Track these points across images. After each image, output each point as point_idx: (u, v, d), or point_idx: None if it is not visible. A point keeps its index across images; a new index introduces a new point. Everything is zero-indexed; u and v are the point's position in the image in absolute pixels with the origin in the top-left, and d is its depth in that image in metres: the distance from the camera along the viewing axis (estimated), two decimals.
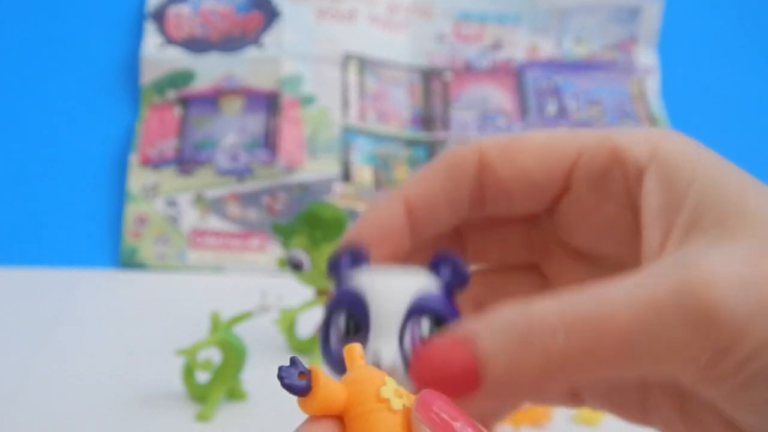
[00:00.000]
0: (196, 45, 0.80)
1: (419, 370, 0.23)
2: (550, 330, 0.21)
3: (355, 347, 0.22)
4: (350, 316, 0.23)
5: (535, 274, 0.30)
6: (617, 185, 0.26)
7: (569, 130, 0.27)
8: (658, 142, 0.25)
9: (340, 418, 0.21)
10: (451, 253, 0.25)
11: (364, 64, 0.81)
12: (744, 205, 0.22)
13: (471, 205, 0.27)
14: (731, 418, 0.23)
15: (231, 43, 0.80)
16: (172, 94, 0.78)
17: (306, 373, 0.21)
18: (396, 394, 0.21)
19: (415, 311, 0.23)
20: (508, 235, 0.30)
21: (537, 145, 0.27)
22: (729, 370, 0.21)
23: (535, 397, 0.24)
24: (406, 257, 0.27)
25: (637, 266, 0.24)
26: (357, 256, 0.25)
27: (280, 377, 0.21)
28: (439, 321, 0.23)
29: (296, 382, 0.21)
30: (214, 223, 0.74)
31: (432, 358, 0.23)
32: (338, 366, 0.23)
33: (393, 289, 0.24)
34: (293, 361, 0.21)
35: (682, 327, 0.21)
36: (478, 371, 0.22)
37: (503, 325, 0.22)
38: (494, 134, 0.79)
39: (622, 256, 0.27)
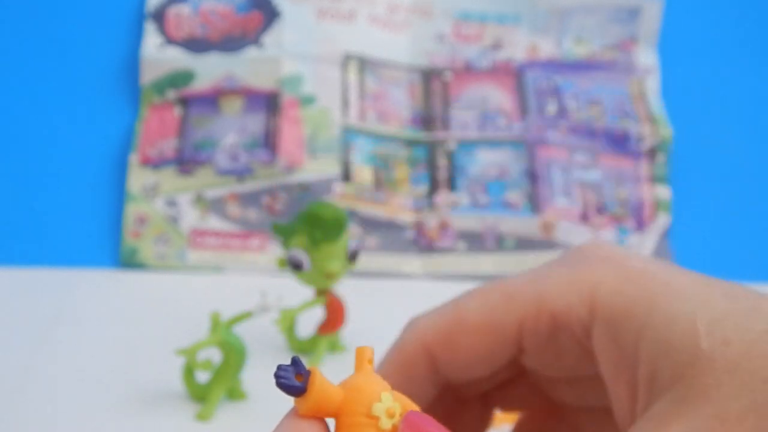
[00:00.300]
0: (196, 45, 0.80)
1: None
2: None
3: (367, 349, 0.22)
4: None
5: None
6: (567, 344, 0.26)
7: (505, 289, 0.27)
8: (594, 297, 0.24)
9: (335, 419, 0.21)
10: None
11: (364, 64, 0.81)
12: (695, 353, 0.21)
13: (436, 387, 0.28)
14: None
15: (231, 43, 0.80)
16: (172, 94, 0.78)
17: (304, 374, 0.21)
18: (388, 414, 0.21)
19: None
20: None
21: (476, 327, 0.27)
22: None
23: None
24: None
25: (609, 415, 0.24)
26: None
27: (277, 376, 0.21)
28: None
29: (292, 382, 0.21)
30: (214, 223, 0.74)
31: None
32: None
33: None
34: (294, 361, 0.21)
35: None
36: None
37: None
38: (494, 133, 0.79)
39: (592, 400, 0.27)
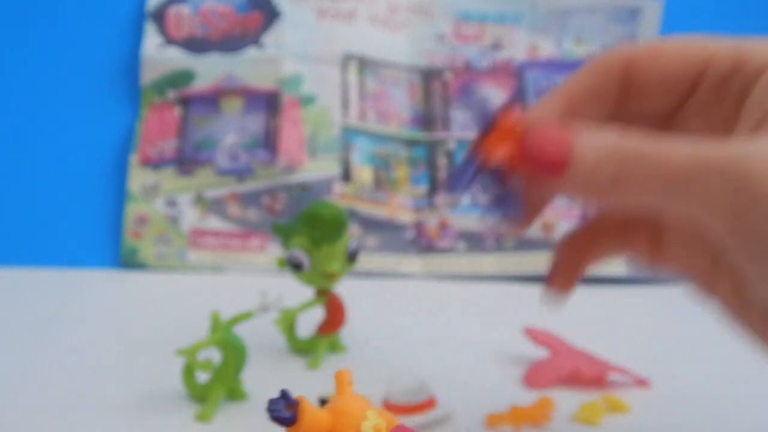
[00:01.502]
0: (196, 45, 0.80)
1: (529, 138, 0.28)
2: (627, 154, 0.27)
3: (345, 373, 0.24)
4: None
5: None
6: (736, 89, 0.30)
7: (702, 41, 0.31)
8: None
9: None
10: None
11: (364, 64, 0.81)
12: None
13: (617, 100, 0.32)
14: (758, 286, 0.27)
15: (231, 43, 0.80)
16: (172, 94, 0.78)
17: (293, 405, 0.23)
18: (375, 430, 0.23)
19: None
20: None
21: (678, 48, 0.31)
22: (754, 222, 0.25)
23: (600, 196, 0.28)
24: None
25: None
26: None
27: (269, 410, 0.23)
28: None
29: (283, 414, 0.23)
30: (214, 223, 0.74)
31: (536, 132, 0.28)
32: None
33: None
34: (283, 394, 0.24)
35: (722, 181, 0.25)
36: (568, 156, 0.28)
37: (601, 137, 0.28)
38: None
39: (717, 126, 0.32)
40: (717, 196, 0.25)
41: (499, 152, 0.29)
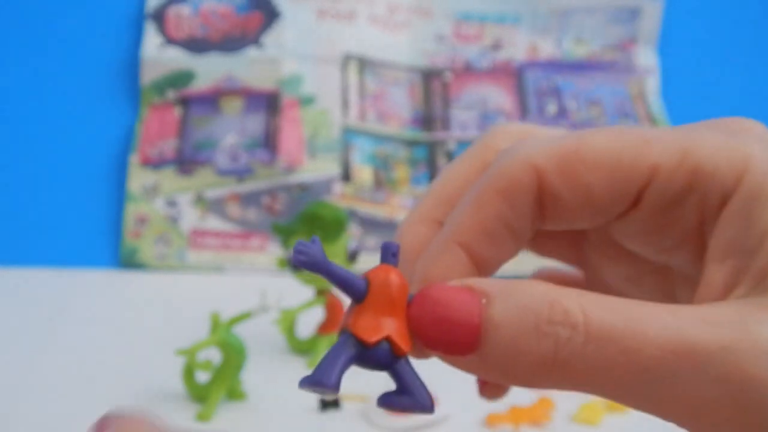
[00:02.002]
0: (196, 45, 0.80)
1: (420, 307, 0.22)
2: (569, 328, 0.20)
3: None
4: None
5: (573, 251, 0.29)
6: (691, 214, 0.23)
7: (642, 134, 0.23)
8: (748, 161, 0.22)
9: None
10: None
11: (364, 65, 0.81)
12: None
13: (533, 236, 0.25)
14: None
15: (231, 43, 0.80)
16: (172, 95, 0.78)
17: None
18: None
19: None
20: (557, 238, 0.29)
21: (604, 160, 0.23)
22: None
23: (521, 385, 0.21)
24: None
25: (692, 287, 0.22)
26: None
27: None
28: None
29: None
30: (214, 223, 0.74)
31: (435, 298, 0.21)
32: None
33: None
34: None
35: (718, 385, 0.19)
36: (479, 331, 0.21)
37: (523, 297, 0.20)
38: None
39: (676, 265, 0.25)
40: (704, 404, 0.19)
41: (381, 329, 0.22)
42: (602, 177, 0.23)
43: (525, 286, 0.21)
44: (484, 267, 0.24)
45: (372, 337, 0.22)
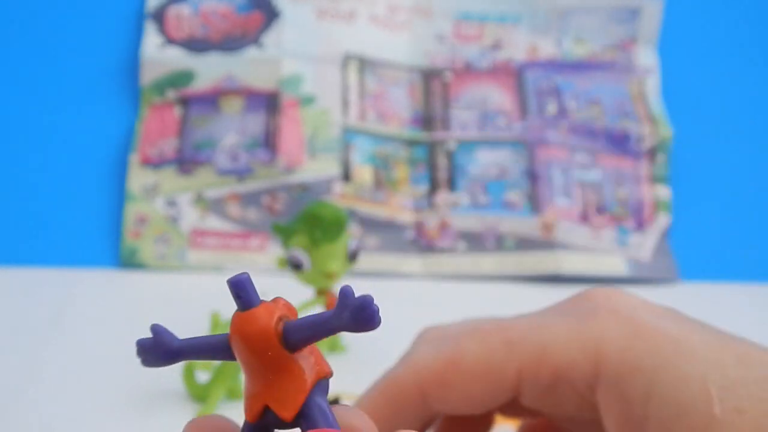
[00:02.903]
0: (196, 45, 0.80)
1: None
2: None
3: None
4: None
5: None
6: (569, 400, 0.25)
7: (504, 335, 0.26)
8: (600, 353, 0.24)
9: None
10: None
11: (364, 64, 0.81)
12: (709, 419, 0.21)
13: (425, 419, 0.27)
14: None
15: (231, 43, 0.80)
16: (172, 94, 0.78)
17: None
18: None
19: None
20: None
21: (476, 368, 0.26)
22: None
23: None
24: None
25: None
26: None
27: None
28: None
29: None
30: (214, 223, 0.74)
31: None
32: None
33: None
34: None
35: None
36: None
37: None
38: (494, 133, 0.79)
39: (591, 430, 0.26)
40: None
41: (255, 402, 0.19)
42: (477, 383, 0.26)
43: None
44: None
45: (251, 417, 0.19)
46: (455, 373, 0.26)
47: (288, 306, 0.19)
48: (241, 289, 0.19)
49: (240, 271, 0.19)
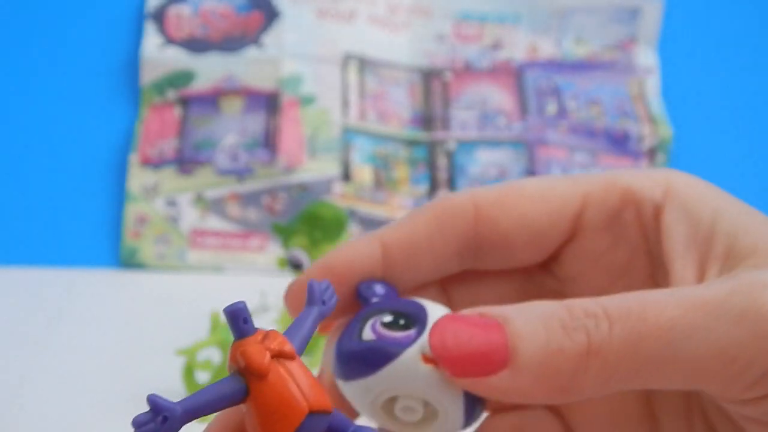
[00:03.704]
0: (196, 45, 0.80)
1: (438, 338, 0.21)
2: (593, 318, 0.20)
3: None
4: (403, 317, 0.23)
5: None
6: (631, 228, 0.24)
7: (570, 176, 0.25)
8: (669, 182, 0.24)
9: None
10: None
11: (364, 64, 0.81)
12: None
13: (461, 258, 0.25)
14: None
15: (231, 43, 0.80)
16: (172, 94, 0.78)
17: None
18: None
19: None
20: (499, 289, 0.27)
21: (537, 192, 0.25)
22: None
23: (567, 397, 0.21)
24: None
25: None
26: (389, 288, 0.25)
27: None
28: None
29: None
30: (214, 223, 0.74)
31: (452, 327, 0.21)
32: (368, 355, 0.22)
33: (444, 309, 0.24)
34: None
35: (735, 326, 0.20)
36: (506, 345, 0.20)
37: (538, 309, 0.21)
38: (494, 133, 0.79)
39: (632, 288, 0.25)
40: (733, 348, 0.20)
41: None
42: (537, 206, 0.24)
43: (534, 304, 0.21)
44: (392, 274, 0.25)
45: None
46: (514, 195, 0.25)
47: (282, 339, 0.20)
48: (246, 317, 0.19)
49: (236, 301, 0.19)
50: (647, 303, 0.20)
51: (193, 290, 0.68)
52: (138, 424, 0.18)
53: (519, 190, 0.25)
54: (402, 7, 0.83)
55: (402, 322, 0.23)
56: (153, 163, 0.76)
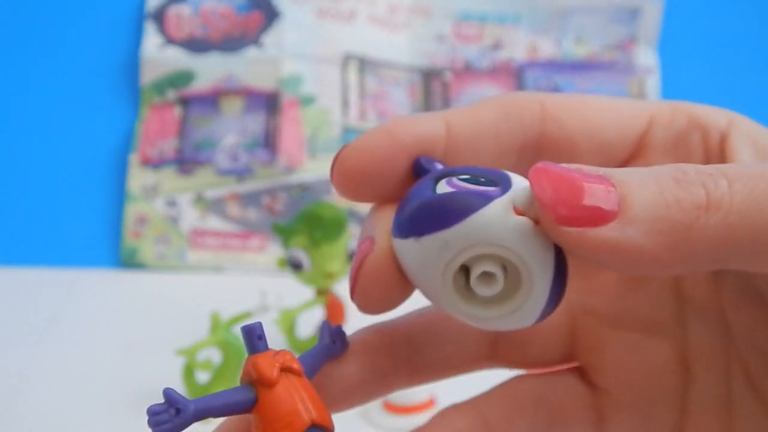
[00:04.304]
0: (196, 45, 0.80)
1: (542, 176, 0.19)
2: (710, 176, 0.19)
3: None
4: (482, 176, 0.20)
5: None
6: (696, 151, 0.23)
7: (633, 100, 0.25)
8: (733, 115, 0.24)
9: None
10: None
11: (364, 64, 0.81)
12: None
13: (521, 155, 0.24)
14: None
15: (231, 43, 0.80)
16: (172, 94, 0.78)
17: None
18: None
19: None
20: None
21: (605, 104, 0.24)
22: None
23: (678, 259, 0.19)
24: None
25: None
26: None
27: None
28: None
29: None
30: (214, 223, 0.74)
31: (557, 172, 0.19)
32: (440, 207, 0.19)
33: (517, 175, 0.21)
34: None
35: None
36: (616, 193, 0.18)
37: (644, 170, 0.19)
38: None
39: None
40: None
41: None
42: (606, 115, 0.23)
43: (638, 168, 0.20)
44: (453, 156, 0.23)
45: None
46: (581, 102, 0.24)
47: (291, 357, 0.21)
48: (260, 334, 0.21)
49: (255, 321, 0.21)
50: (766, 168, 0.19)
51: (193, 290, 0.68)
52: (152, 412, 0.19)
53: (586, 100, 0.24)
54: (402, 7, 0.83)
55: (483, 180, 0.20)
56: (153, 163, 0.76)
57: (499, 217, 0.19)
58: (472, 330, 0.24)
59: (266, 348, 0.21)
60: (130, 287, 0.69)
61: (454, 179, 0.20)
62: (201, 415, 0.19)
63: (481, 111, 0.24)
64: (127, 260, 0.72)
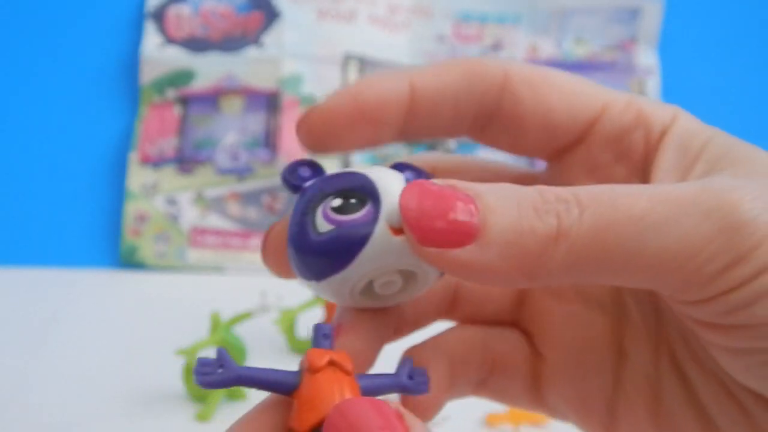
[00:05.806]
0: (196, 45, 0.80)
1: (409, 199, 0.21)
2: (564, 203, 0.20)
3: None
4: (351, 194, 0.22)
5: None
6: (637, 147, 0.25)
7: (598, 84, 0.26)
8: (677, 112, 0.25)
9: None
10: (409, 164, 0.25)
11: (365, 65, 0.81)
12: (758, 158, 0.23)
13: (473, 123, 0.25)
14: (722, 373, 0.22)
15: (231, 43, 0.80)
16: (171, 94, 0.78)
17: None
18: None
19: None
20: None
21: (566, 86, 0.25)
22: (738, 279, 0.20)
23: (531, 279, 0.21)
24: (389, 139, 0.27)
25: None
26: (315, 168, 0.24)
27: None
28: None
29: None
30: (215, 221, 0.74)
31: (422, 189, 0.21)
32: (320, 247, 0.21)
33: (387, 172, 0.24)
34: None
35: (704, 220, 0.20)
36: (476, 215, 0.20)
37: (511, 189, 0.21)
38: None
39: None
40: (699, 241, 0.20)
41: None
42: (562, 99, 0.25)
43: (507, 184, 0.21)
44: (413, 120, 0.25)
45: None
46: (546, 82, 0.25)
47: (346, 357, 0.21)
48: (327, 333, 0.22)
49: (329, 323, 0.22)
50: (620, 194, 0.20)
51: (193, 290, 0.68)
52: (201, 363, 0.20)
53: (549, 77, 0.25)
54: (402, 8, 0.83)
55: (353, 200, 0.22)
56: (153, 162, 0.76)
57: (382, 246, 0.21)
58: (435, 290, 0.26)
59: (329, 347, 0.22)
60: (130, 287, 0.69)
61: (329, 210, 0.21)
62: (244, 381, 0.20)
63: (446, 75, 0.25)
64: (126, 258, 0.72)
